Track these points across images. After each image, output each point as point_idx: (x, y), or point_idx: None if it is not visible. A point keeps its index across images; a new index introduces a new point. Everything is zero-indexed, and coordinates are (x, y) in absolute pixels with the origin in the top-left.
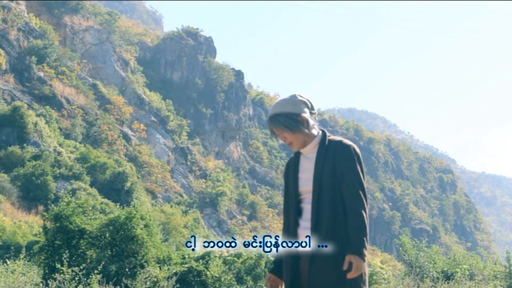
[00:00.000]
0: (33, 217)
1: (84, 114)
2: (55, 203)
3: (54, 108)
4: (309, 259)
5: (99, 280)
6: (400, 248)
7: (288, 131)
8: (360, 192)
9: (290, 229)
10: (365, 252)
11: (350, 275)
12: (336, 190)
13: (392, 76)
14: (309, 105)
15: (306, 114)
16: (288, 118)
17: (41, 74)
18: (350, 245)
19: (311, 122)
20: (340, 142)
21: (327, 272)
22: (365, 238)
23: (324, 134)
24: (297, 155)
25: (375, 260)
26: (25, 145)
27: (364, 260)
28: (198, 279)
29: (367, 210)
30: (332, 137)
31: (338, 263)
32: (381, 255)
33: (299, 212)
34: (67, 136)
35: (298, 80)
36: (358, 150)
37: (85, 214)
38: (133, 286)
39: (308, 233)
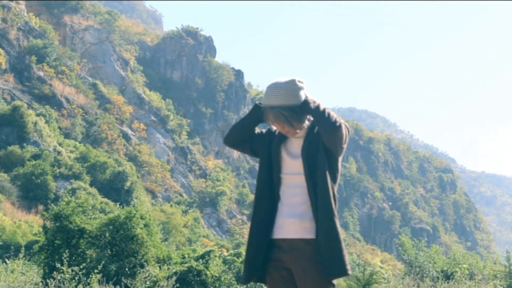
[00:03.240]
0: (33, 217)
1: (84, 114)
2: (55, 203)
3: (54, 108)
4: (294, 250)
5: (99, 280)
6: (400, 248)
7: (291, 126)
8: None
9: (265, 216)
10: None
11: None
12: (330, 174)
13: (392, 76)
14: (305, 88)
15: (301, 100)
16: (293, 113)
17: (41, 73)
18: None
19: (314, 100)
20: None
21: (311, 266)
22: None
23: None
24: (280, 134)
25: (375, 260)
26: (25, 144)
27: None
28: (198, 279)
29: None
30: None
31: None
32: (381, 254)
33: (279, 197)
34: (67, 135)
35: (295, 78)
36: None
37: (85, 214)
38: (133, 286)
39: (293, 221)
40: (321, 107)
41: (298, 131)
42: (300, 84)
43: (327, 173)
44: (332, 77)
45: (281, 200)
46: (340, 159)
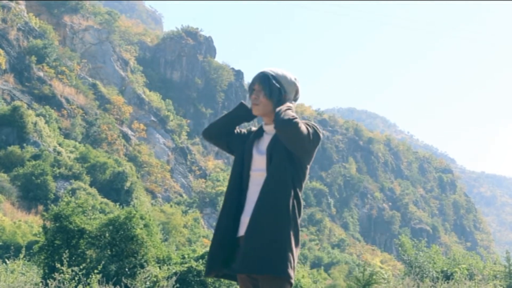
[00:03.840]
0: (33, 217)
1: (83, 114)
2: (55, 203)
3: (53, 108)
4: (244, 246)
5: (99, 280)
6: (400, 248)
7: (267, 95)
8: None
9: (231, 213)
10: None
11: None
12: (292, 174)
13: (392, 76)
14: (297, 93)
15: (289, 98)
16: (276, 86)
17: (41, 73)
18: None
19: (288, 105)
20: None
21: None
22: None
23: None
24: (259, 131)
25: (375, 260)
26: (24, 144)
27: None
28: (198, 279)
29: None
30: None
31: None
32: (380, 254)
33: (245, 194)
34: (67, 135)
35: (298, 79)
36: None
37: (85, 214)
38: (132, 286)
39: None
40: (283, 108)
41: (259, 106)
42: (296, 83)
43: (288, 172)
44: (331, 77)
45: (247, 197)
46: (306, 165)
